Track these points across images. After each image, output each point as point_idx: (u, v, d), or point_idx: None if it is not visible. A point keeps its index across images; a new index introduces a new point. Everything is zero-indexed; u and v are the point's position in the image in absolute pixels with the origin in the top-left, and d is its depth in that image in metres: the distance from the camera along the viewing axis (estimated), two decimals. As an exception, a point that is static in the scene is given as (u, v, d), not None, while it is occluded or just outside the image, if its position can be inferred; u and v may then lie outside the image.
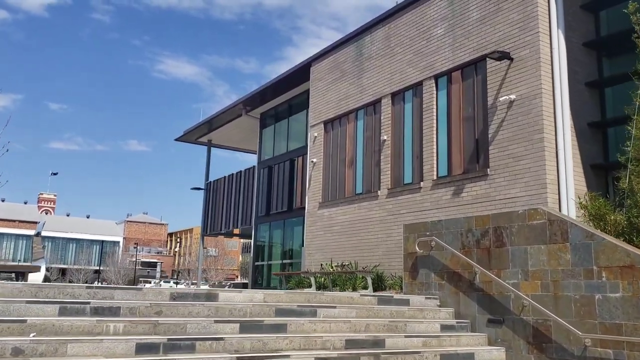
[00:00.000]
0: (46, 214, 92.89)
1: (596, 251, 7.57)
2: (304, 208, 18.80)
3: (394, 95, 15.42)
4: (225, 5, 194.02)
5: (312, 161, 18.32)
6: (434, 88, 14.11)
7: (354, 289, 13.49)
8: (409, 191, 14.25)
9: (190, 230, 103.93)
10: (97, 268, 73.00)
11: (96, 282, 65.56)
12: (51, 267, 61.11)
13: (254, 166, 24.70)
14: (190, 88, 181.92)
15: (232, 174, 26.52)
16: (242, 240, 72.73)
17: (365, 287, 13.30)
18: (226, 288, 46.07)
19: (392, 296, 9.62)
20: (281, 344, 7.08)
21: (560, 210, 10.81)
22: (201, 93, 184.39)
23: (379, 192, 15.27)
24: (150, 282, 72.80)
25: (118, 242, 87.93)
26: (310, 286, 15.36)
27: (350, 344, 7.53)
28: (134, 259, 76.60)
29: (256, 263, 23.47)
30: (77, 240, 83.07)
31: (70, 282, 68.08)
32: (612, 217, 8.27)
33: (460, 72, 13.51)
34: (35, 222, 78.86)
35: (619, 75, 11.88)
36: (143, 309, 7.12)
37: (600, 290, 7.46)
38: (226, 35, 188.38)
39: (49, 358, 5.74)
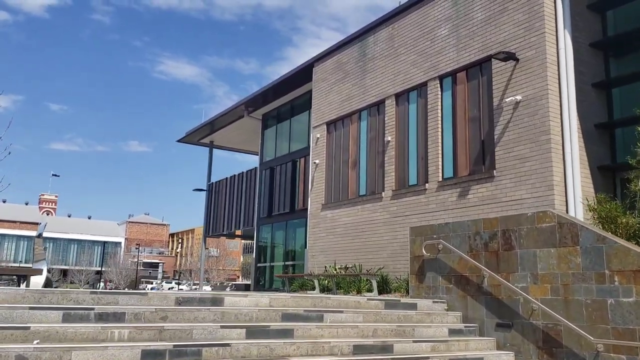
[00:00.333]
0: (47, 215, 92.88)
1: (608, 255, 7.46)
2: (307, 209, 18.69)
3: (398, 95, 15.30)
4: (226, 6, 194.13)
5: (315, 162, 18.21)
6: (439, 89, 14.00)
7: (359, 292, 13.38)
8: (414, 193, 14.13)
9: (192, 230, 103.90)
10: (99, 269, 72.90)
11: (100, 284, 65.42)
12: (52, 269, 60.97)
13: (255, 167, 24.61)
14: (190, 89, 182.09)
15: (234, 175, 26.44)
16: (243, 240, 72.67)
17: (369, 290, 13.20)
18: (228, 289, 46.02)
19: (399, 300, 9.51)
20: (288, 350, 6.97)
21: (567, 212, 10.69)
22: (201, 94, 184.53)
23: (383, 193, 15.15)
24: (152, 283, 72.79)
25: (119, 243, 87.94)
26: (313, 288, 15.26)
27: (358, 349, 7.43)
28: (136, 260, 76.52)
29: (258, 265, 23.38)
30: (79, 241, 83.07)
31: (71, 283, 68.06)
32: (624, 220, 8.15)
33: (465, 73, 13.39)
34: (37, 223, 78.87)
35: (626, 76, 11.79)
36: (148, 314, 7.01)
37: (612, 295, 7.35)
38: (226, 36, 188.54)
39: (53, 366, 5.64)
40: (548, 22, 11.58)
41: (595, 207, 8.94)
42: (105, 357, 5.90)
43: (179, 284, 72.47)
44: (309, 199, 18.46)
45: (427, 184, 13.76)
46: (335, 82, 17.75)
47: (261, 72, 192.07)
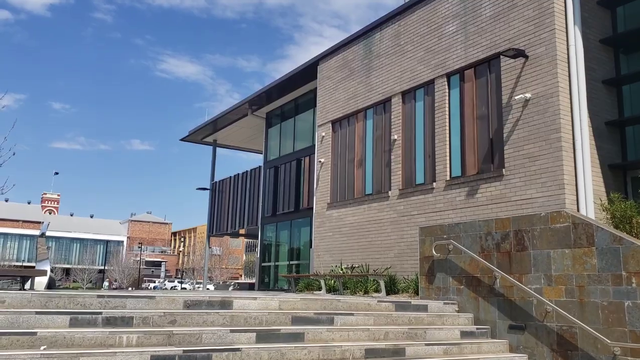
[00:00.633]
0: (50, 213, 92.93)
1: (625, 256, 7.31)
2: (312, 208, 18.55)
3: (404, 93, 15.14)
4: (227, 4, 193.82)
5: (320, 161, 18.06)
6: (446, 86, 13.84)
7: (366, 292, 13.26)
8: (421, 192, 13.98)
9: (194, 229, 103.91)
10: (102, 268, 72.85)
11: (105, 283, 65.29)
12: (55, 267, 60.94)
13: (260, 166, 24.46)
14: (192, 87, 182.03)
15: (238, 174, 26.29)
16: (246, 239, 72.57)
17: (377, 290, 13.06)
18: (231, 288, 45.92)
19: (410, 302, 9.36)
20: (299, 355, 6.84)
21: (578, 211, 10.53)
22: (203, 92, 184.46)
23: (389, 192, 15.00)
24: (154, 282, 72.72)
25: (122, 242, 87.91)
26: (319, 288, 15.14)
27: (370, 353, 7.29)
28: (138, 259, 76.45)
29: (263, 264, 23.25)
30: (81, 240, 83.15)
31: (74, 282, 68.00)
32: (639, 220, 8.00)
33: (473, 70, 13.23)
34: (39, 222, 78.87)
35: (636, 73, 11.64)
36: (157, 318, 6.88)
37: (629, 297, 7.19)
38: (228, 34, 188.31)
39: (61, 373, 5.51)
40: (558, 18, 11.41)
41: (609, 206, 8.78)
42: (114, 363, 5.77)
43: (181, 282, 72.37)
44: (314, 198, 18.32)
45: (434, 183, 13.61)
46: (341, 80, 17.59)
47: (263, 70, 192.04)
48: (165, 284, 71.74)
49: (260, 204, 23.49)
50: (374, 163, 15.99)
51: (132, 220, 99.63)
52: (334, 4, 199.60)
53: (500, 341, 8.61)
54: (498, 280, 8.88)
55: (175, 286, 69.89)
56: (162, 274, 78.35)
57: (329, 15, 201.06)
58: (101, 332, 6.20)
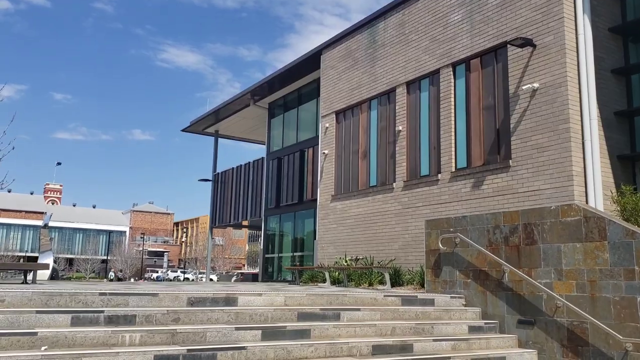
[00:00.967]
0: (52, 204, 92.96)
1: (638, 250, 7.14)
2: (315, 200, 18.40)
3: (409, 84, 14.93)
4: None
5: (324, 152, 17.88)
6: (452, 76, 13.62)
7: (370, 284, 13.13)
8: (426, 183, 13.81)
9: (197, 219, 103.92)
10: (105, 258, 72.92)
11: (111, 273, 65.32)
12: (58, 258, 60.95)
13: (262, 157, 24.29)
14: (193, 76, 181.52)
15: (241, 165, 26.11)
16: (249, 230, 72.51)
17: (381, 282, 12.93)
18: (234, 279, 45.86)
19: (417, 296, 9.22)
20: (306, 352, 6.71)
21: (587, 203, 10.36)
22: (204, 81, 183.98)
23: (394, 184, 14.83)
24: (157, 272, 72.82)
25: (124, 232, 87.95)
26: (324, 280, 15.02)
27: (377, 349, 7.16)
28: (141, 249, 76.52)
29: (266, 255, 23.15)
30: (84, 230, 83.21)
31: (77, 272, 68.09)
32: (653, 214, 7.83)
33: (479, 60, 13.01)
34: (42, 213, 78.87)
35: (647, 62, 11.41)
36: (160, 316, 6.75)
37: (643, 293, 7.04)
38: (228, 23, 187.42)
39: (63, 374, 5.38)
40: (567, 7, 11.18)
41: (619, 199, 8.61)
42: (117, 363, 5.64)
43: (184, 272, 72.47)
44: (318, 189, 18.15)
45: (439, 175, 13.43)
46: (344, 70, 17.37)
47: (263, 59, 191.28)
48: (168, 274, 71.85)
49: (264, 195, 23.34)
50: (378, 154, 15.81)
51: (134, 211, 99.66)
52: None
53: (509, 336, 8.48)
54: (506, 274, 8.73)
55: (178, 276, 70.00)
56: (165, 264, 78.39)
57: (330, 4, 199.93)
58: (103, 332, 6.07)
